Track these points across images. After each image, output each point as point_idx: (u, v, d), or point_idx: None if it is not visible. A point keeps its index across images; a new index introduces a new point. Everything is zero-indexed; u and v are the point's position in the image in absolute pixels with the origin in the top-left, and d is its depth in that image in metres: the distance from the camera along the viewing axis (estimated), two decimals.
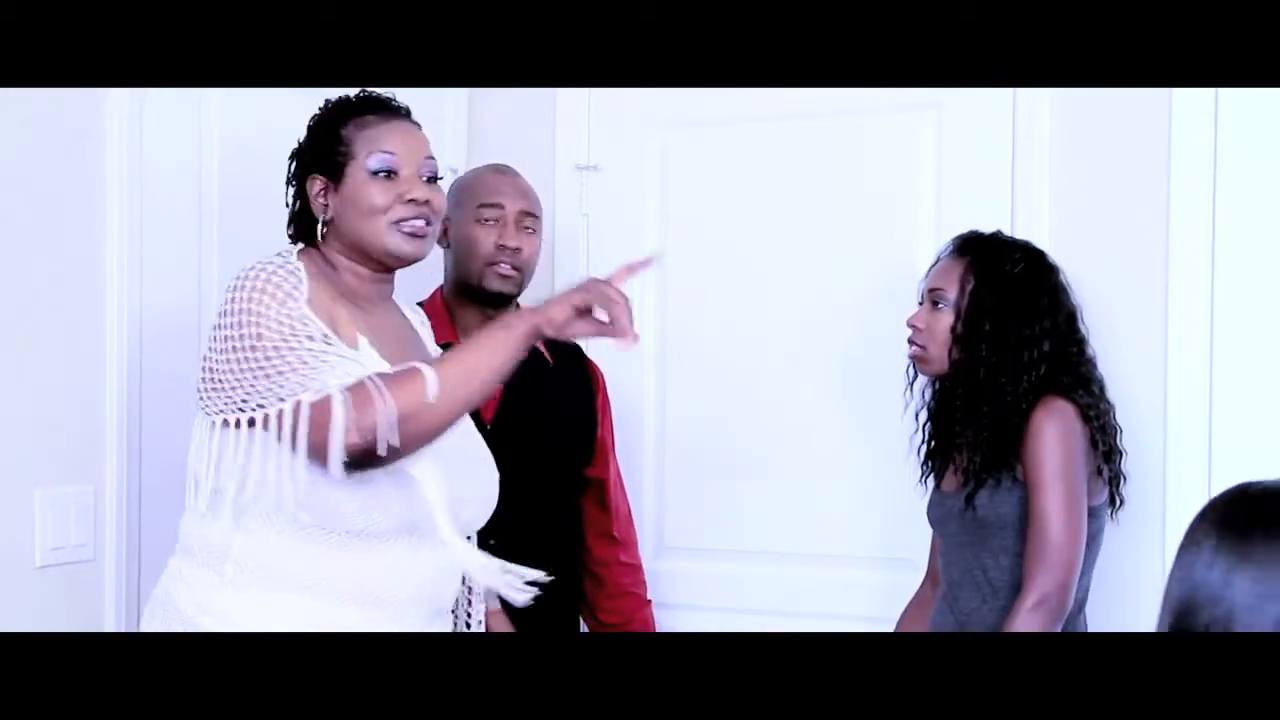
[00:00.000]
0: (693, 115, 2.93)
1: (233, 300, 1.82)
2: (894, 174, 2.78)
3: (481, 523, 2.04)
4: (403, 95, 2.04)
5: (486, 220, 2.47)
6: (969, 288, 2.33)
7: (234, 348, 1.80)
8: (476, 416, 2.41)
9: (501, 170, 2.57)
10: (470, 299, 2.50)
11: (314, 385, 1.76)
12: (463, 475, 1.95)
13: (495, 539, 2.41)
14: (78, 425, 2.21)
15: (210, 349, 1.83)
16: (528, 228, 2.50)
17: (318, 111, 2.00)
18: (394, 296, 2.06)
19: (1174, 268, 2.53)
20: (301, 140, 2.00)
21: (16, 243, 2.11)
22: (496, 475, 2.04)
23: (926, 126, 2.76)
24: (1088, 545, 2.28)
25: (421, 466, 1.84)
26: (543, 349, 2.51)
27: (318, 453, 1.75)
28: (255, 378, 1.78)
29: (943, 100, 2.72)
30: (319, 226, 1.95)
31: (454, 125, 3.04)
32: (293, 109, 2.02)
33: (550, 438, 2.52)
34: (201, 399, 1.85)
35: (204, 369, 1.85)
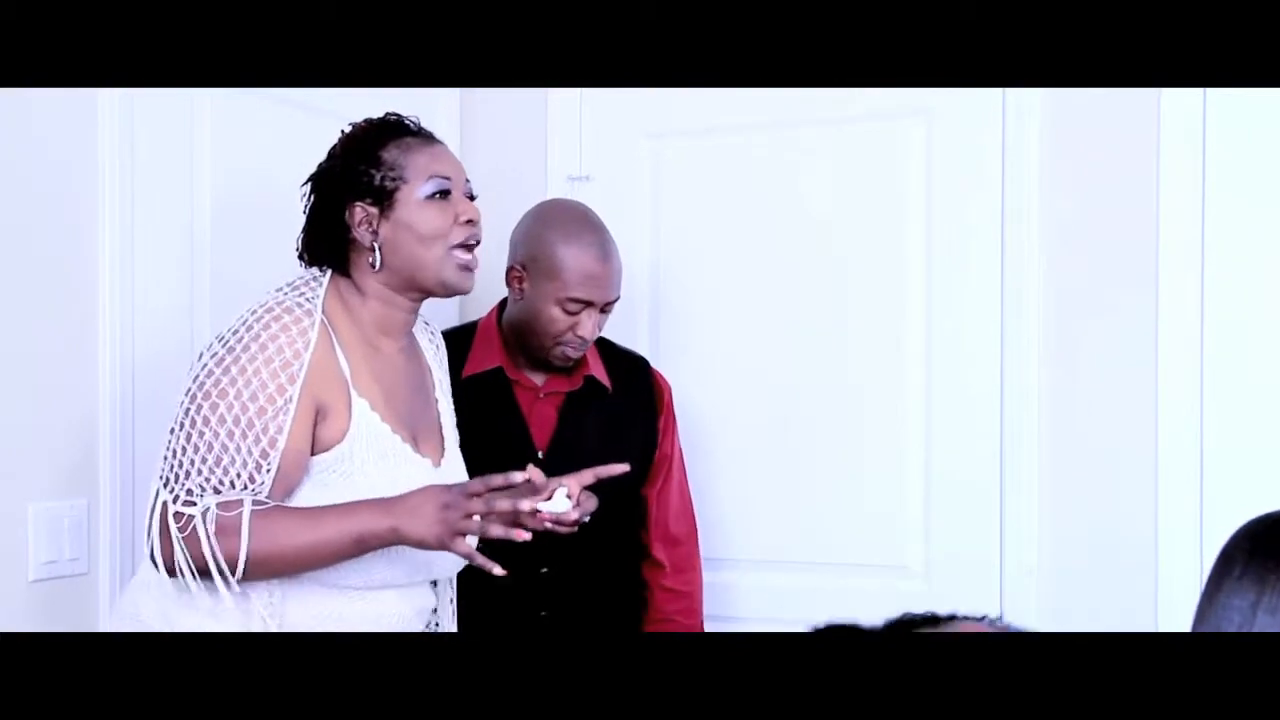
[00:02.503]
0: (684, 125, 2.94)
1: (233, 346, 1.80)
2: (885, 181, 2.79)
3: (457, 566, 2.03)
4: (396, 103, 2.04)
5: (571, 310, 2.37)
6: None
7: (196, 390, 1.80)
8: (529, 446, 2.41)
9: (605, 255, 2.40)
10: (531, 357, 2.45)
11: (186, 494, 1.77)
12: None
13: (549, 565, 2.40)
14: (71, 439, 2.21)
15: (198, 359, 1.83)
16: (607, 313, 2.44)
17: (345, 136, 1.96)
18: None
19: (1164, 270, 2.54)
20: (326, 165, 1.96)
21: (8, 255, 2.11)
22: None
23: (916, 133, 2.76)
24: None
25: None
26: (603, 377, 2.48)
27: (156, 558, 1.80)
28: (179, 435, 1.80)
29: (932, 107, 2.72)
30: (372, 256, 1.90)
31: (446, 137, 3.01)
32: (285, 117, 2.01)
33: (605, 463, 2.46)
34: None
35: (191, 366, 1.85)
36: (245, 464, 1.76)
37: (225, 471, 1.76)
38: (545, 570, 2.40)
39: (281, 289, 1.89)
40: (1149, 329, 2.54)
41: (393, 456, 1.88)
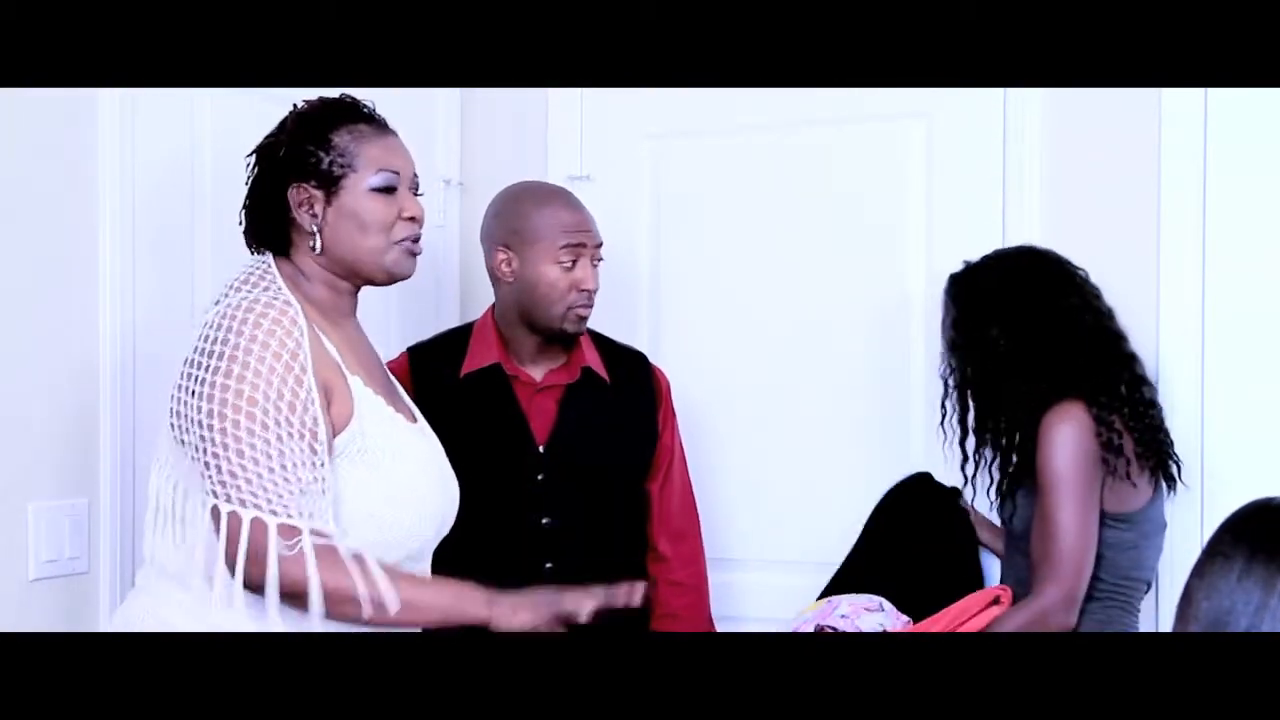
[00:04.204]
0: (684, 125, 2.94)
1: (233, 355, 1.73)
2: (885, 182, 2.78)
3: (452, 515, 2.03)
4: (396, 101, 2.04)
5: (565, 263, 2.38)
6: (950, 323, 2.38)
7: (219, 408, 1.71)
8: (529, 440, 2.41)
9: (573, 202, 2.46)
10: (533, 330, 2.43)
11: (284, 508, 1.70)
12: (444, 498, 1.95)
13: (554, 562, 2.40)
14: (72, 438, 2.21)
15: (192, 380, 1.74)
16: (600, 259, 2.44)
17: (296, 113, 1.91)
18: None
19: (1165, 270, 2.54)
20: (273, 140, 1.91)
21: (8, 255, 2.11)
22: (458, 491, 2.02)
23: (917, 135, 2.76)
24: (1137, 546, 2.28)
25: (417, 496, 1.87)
26: (600, 369, 2.49)
27: (252, 581, 1.71)
28: (227, 455, 1.71)
29: (933, 109, 2.72)
30: (312, 239, 1.87)
31: (447, 136, 3.05)
32: (285, 111, 2.00)
33: (606, 456, 2.47)
34: (172, 424, 1.79)
35: (180, 398, 1.76)
36: (301, 465, 1.72)
37: (298, 478, 1.72)
38: (550, 566, 2.40)
39: (239, 290, 1.83)
40: (1150, 329, 2.54)
41: (391, 425, 1.87)
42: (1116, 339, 2.36)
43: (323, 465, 1.75)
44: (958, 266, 2.45)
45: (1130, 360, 2.35)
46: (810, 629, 2.36)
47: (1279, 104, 2.46)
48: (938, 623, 2.31)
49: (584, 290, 2.39)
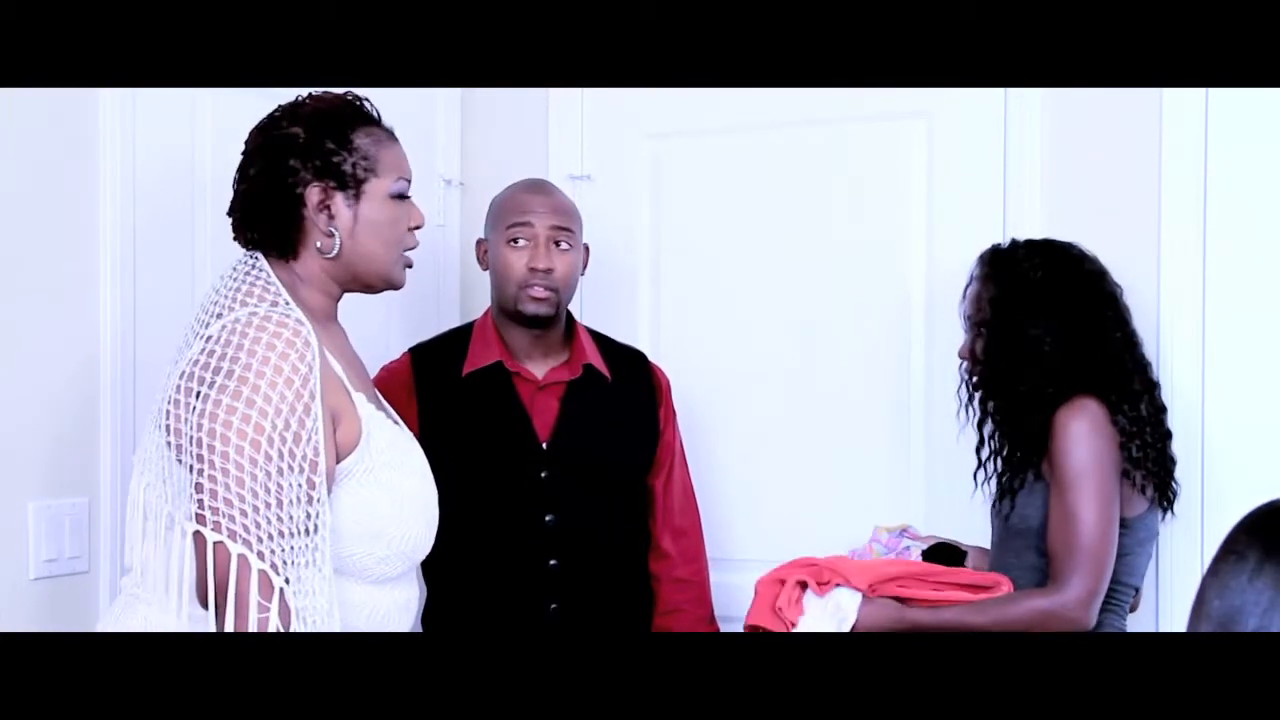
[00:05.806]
0: (685, 125, 2.94)
1: (244, 376, 1.65)
2: (886, 182, 2.79)
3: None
4: (396, 101, 2.04)
5: (516, 241, 2.41)
6: (986, 299, 2.33)
7: (223, 430, 1.63)
8: (532, 437, 2.41)
9: (534, 187, 2.51)
10: (514, 320, 2.45)
11: (270, 552, 1.63)
12: (435, 504, 1.94)
13: (558, 558, 2.41)
14: (72, 437, 2.21)
15: (193, 396, 1.67)
16: (561, 244, 2.43)
17: (310, 110, 1.85)
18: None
19: (1165, 270, 2.54)
20: (285, 134, 1.83)
21: (8, 255, 2.11)
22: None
23: (917, 134, 2.76)
24: (1132, 552, 2.26)
25: (421, 506, 1.86)
26: (602, 366, 2.49)
27: (199, 590, 1.66)
28: (226, 483, 1.63)
29: (933, 108, 2.72)
30: (330, 242, 1.80)
31: (447, 136, 3.05)
32: None
33: (609, 453, 2.48)
34: (169, 441, 1.71)
35: (179, 414, 1.68)
36: (298, 501, 1.67)
37: (290, 515, 1.66)
38: (554, 563, 2.41)
39: (245, 304, 1.75)
40: (1151, 329, 2.54)
41: (392, 437, 1.86)
42: (1145, 365, 2.33)
43: (319, 501, 1.69)
44: (1002, 241, 2.40)
45: (1154, 386, 2.33)
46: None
47: (1279, 104, 2.46)
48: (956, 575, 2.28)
49: (533, 269, 2.39)
